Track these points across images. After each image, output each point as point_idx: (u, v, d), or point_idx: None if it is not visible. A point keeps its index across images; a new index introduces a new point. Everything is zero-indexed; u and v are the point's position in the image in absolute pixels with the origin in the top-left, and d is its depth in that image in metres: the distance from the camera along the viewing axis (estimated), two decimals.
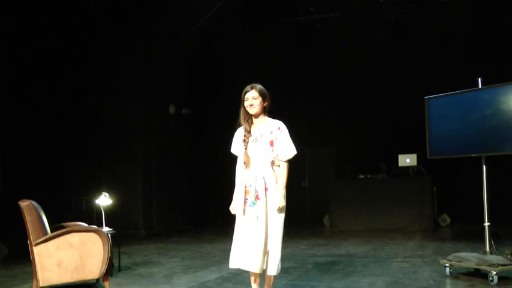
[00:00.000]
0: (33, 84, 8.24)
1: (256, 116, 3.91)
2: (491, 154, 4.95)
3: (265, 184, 3.78)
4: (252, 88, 3.88)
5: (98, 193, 5.79)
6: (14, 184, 7.53)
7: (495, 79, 4.99)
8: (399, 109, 10.20)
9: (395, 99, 10.32)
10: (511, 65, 8.69)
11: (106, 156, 9.56)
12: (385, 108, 10.60)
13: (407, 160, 9.73)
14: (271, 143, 3.84)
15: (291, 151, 3.85)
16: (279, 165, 3.85)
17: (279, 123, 3.92)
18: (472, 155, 5.05)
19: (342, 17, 10.28)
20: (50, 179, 8.33)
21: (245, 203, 3.81)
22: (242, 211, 3.80)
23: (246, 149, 3.85)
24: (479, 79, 5.03)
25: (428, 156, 5.46)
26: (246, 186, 3.82)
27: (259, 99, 3.86)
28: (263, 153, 3.81)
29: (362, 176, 10.13)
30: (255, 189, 3.78)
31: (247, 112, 3.90)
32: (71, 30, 8.72)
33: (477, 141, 4.95)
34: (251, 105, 3.85)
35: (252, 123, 3.92)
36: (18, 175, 7.82)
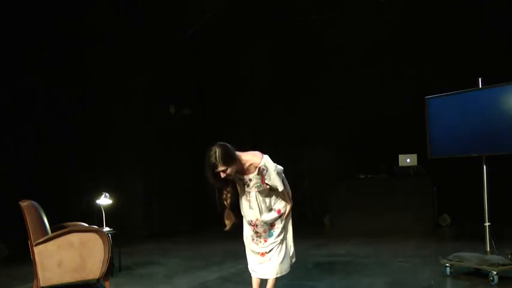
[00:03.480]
0: (33, 84, 8.25)
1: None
2: (492, 154, 4.96)
3: (275, 211, 3.85)
4: (217, 163, 3.54)
5: (98, 193, 5.80)
6: (15, 184, 7.54)
7: (495, 79, 4.99)
8: (399, 109, 10.18)
9: (395, 99, 10.31)
10: (511, 65, 8.68)
11: (106, 156, 9.56)
12: (385, 108, 10.58)
13: (407, 160, 9.73)
14: (263, 181, 3.73)
15: (279, 187, 3.73)
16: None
17: (261, 163, 3.68)
18: (473, 155, 5.05)
19: (342, 17, 10.28)
20: (51, 179, 8.34)
21: (250, 234, 3.92)
22: (249, 236, 3.92)
23: (228, 207, 3.77)
24: (479, 79, 5.03)
25: (428, 156, 5.46)
26: (251, 222, 3.88)
27: (229, 167, 3.58)
28: (260, 194, 3.80)
29: (362, 176, 10.12)
30: (265, 225, 3.84)
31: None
32: (71, 31, 8.72)
33: (477, 141, 4.95)
34: (228, 177, 3.65)
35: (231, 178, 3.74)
36: (18, 175, 7.82)
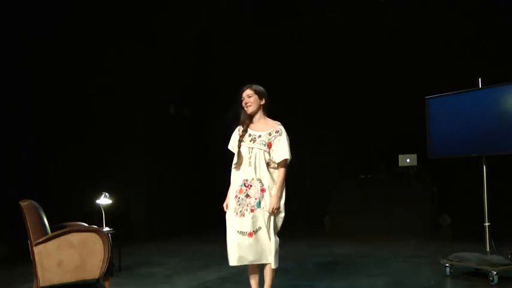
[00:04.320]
0: (33, 84, 8.25)
1: (255, 115, 3.96)
2: (492, 154, 4.95)
3: (262, 186, 3.82)
4: (247, 87, 3.95)
5: (98, 193, 5.79)
6: (14, 184, 7.53)
7: (495, 79, 4.99)
8: (399, 109, 10.19)
9: (395, 99, 10.32)
10: (511, 65, 8.68)
11: (106, 156, 9.55)
12: (385, 108, 10.59)
13: (407, 160, 9.73)
14: (269, 145, 3.86)
15: (283, 154, 3.84)
16: (276, 168, 3.87)
17: (279, 127, 3.93)
18: (473, 155, 5.05)
19: (342, 17, 10.28)
20: (51, 179, 8.33)
21: (237, 201, 3.84)
22: (233, 209, 3.84)
23: (239, 148, 3.90)
24: (479, 79, 5.03)
25: (428, 157, 5.46)
26: (240, 185, 3.86)
27: (255, 97, 3.92)
28: (260, 154, 3.85)
29: (362, 176, 10.12)
30: (258, 190, 3.81)
31: (245, 112, 3.95)
32: (71, 32, 8.72)
33: (477, 141, 4.95)
34: (246, 104, 3.92)
35: (250, 122, 3.97)
36: (18, 175, 7.82)
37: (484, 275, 4.85)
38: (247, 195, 3.81)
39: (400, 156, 9.80)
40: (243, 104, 3.94)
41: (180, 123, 10.58)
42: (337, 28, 10.48)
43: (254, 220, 3.76)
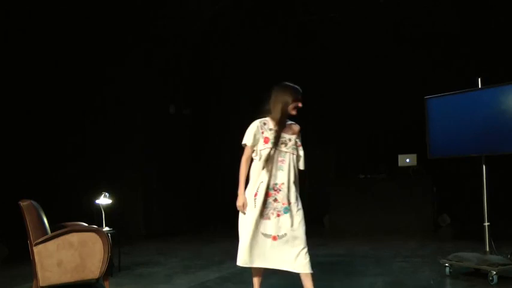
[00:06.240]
0: (33, 84, 8.25)
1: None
2: (491, 154, 4.95)
3: (296, 190, 3.83)
4: (301, 93, 3.86)
5: (98, 193, 5.80)
6: (14, 184, 7.53)
7: (495, 79, 4.99)
8: (399, 109, 10.18)
9: (395, 99, 10.31)
10: (511, 65, 8.68)
11: (106, 156, 9.56)
12: (385, 108, 10.58)
13: (407, 160, 9.72)
14: (298, 145, 3.92)
15: (304, 163, 3.93)
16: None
17: (299, 135, 3.95)
18: (472, 155, 5.05)
19: (341, 17, 10.28)
20: (50, 179, 8.33)
21: (265, 204, 3.75)
22: (259, 211, 3.73)
23: (271, 149, 3.77)
24: (479, 79, 5.04)
25: (428, 157, 5.46)
26: (268, 188, 3.75)
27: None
28: (292, 159, 3.83)
29: (362, 176, 10.12)
30: (287, 195, 3.77)
31: (288, 115, 3.90)
32: (71, 31, 8.72)
33: (477, 141, 4.94)
34: (297, 110, 3.89)
35: (284, 125, 3.91)
36: (18, 175, 7.82)
37: (483, 275, 4.86)
38: (275, 200, 3.75)
39: (400, 156, 9.79)
40: (294, 107, 3.86)
41: (180, 122, 10.58)
42: (337, 28, 10.47)
43: (280, 225, 3.73)
